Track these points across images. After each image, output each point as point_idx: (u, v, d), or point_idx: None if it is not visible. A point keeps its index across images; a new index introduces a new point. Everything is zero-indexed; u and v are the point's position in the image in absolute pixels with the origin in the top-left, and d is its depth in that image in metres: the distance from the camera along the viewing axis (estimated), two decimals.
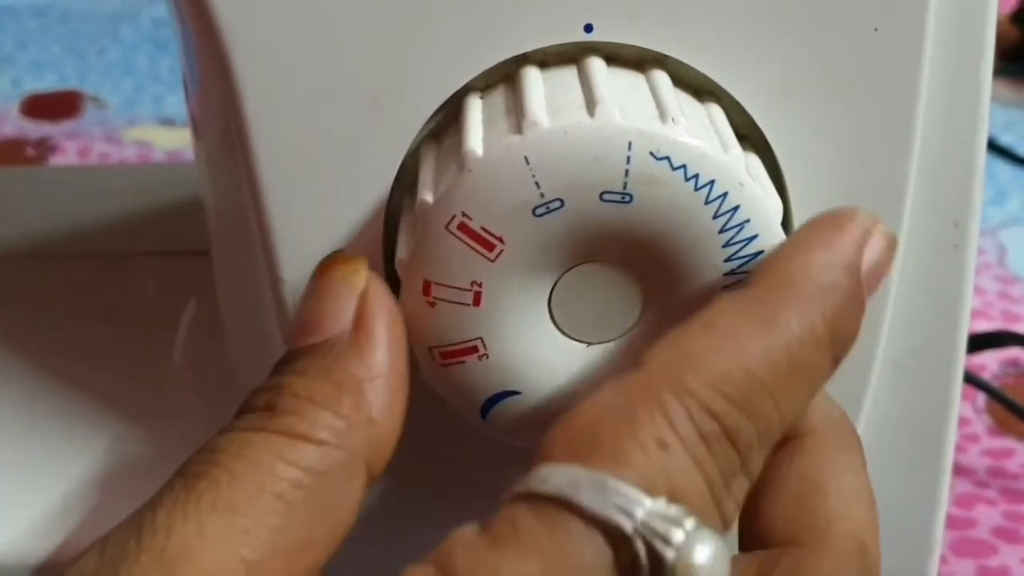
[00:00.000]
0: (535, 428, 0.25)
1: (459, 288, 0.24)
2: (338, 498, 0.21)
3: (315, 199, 0.25)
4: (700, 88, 0.25)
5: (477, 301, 0.24)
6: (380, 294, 0.23)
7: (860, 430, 0.28)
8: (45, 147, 0.65)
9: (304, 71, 0.25)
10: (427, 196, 0.24)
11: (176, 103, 0.69)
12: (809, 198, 0.26)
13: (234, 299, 0.33)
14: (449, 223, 0.23)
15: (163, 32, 0.76)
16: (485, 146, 0.23)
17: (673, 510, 0.18)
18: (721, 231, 0.23)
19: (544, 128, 0.22)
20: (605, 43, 0.25)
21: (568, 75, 0.24)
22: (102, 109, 0.69)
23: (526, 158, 0.23)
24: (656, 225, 0.23)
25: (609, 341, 0.25)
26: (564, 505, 0.18)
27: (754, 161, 0.25)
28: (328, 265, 0.24)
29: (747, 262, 0.23)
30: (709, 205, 0.23)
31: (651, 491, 0.19)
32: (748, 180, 0.23)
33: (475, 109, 0.24)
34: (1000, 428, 0.46)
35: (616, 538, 0.18)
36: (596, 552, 0.18)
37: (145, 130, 0.67)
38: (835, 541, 0.22)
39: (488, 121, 0.24)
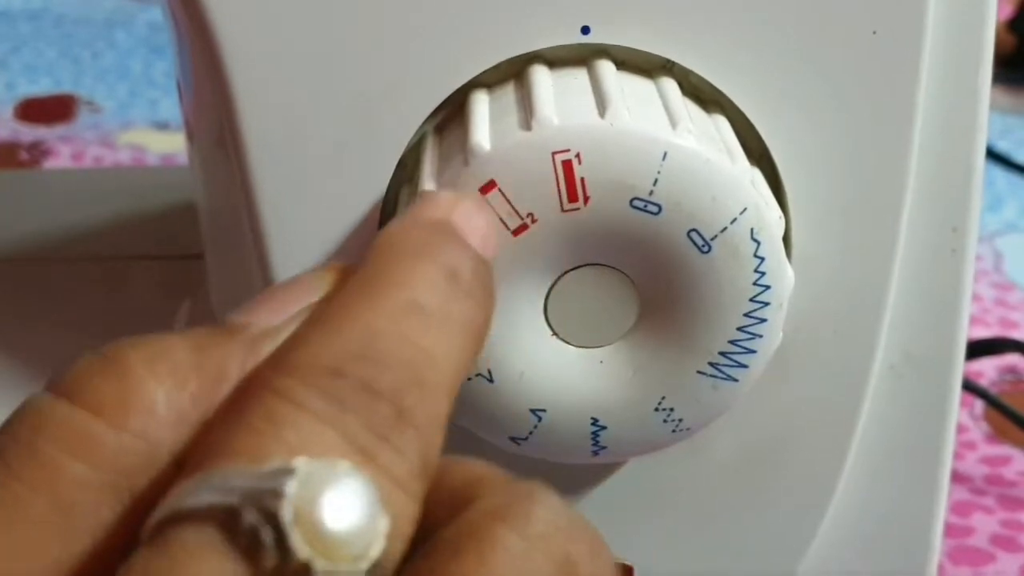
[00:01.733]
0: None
1: None
2: (134, 498, 0.17)
3: (308, 203, 0.25)
4: (705, 97, 0.25)
5: None
6: None
7: (858, 436, 0.28)
8: (39, 151, 0.65)
9: (297, 76, 0.24)
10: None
11: (170, 107, 0.69)
12: (807, 201, 0.26)
13: (228, 303, 0.33)
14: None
15: (158, 36, 0.77)
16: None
17: (284, 464, 0.16)
18: None
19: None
20: (613, 46, 0.25)
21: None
22: (96, 113, 0.69)
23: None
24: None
25: (605, 345, 0.25)
26: (171, 521, 0.16)
27: (757, 173, 0.25)
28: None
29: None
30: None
31: (262, 464, 0.16)
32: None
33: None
34: (998, 435, 0.46)
35: (227, 522, 0.15)
36: (211, 550, 0.15)
37: (139, 134, 0.67)
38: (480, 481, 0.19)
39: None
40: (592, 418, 0.25)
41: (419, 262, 0.19)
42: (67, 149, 0.65)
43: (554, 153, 0.23)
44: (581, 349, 0.25)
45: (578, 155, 0.23)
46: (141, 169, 0.62)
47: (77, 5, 0.81)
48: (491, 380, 0.24)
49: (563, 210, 0.23)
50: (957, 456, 0.44)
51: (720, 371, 0.24)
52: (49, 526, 0.17)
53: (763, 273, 0.24)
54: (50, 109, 0.69)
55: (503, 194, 0.23)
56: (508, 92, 0.25)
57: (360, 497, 0.16)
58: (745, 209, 0.23)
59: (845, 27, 0.24)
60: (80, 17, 0.80)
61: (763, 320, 0.24)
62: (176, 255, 0.41)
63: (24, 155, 0.64)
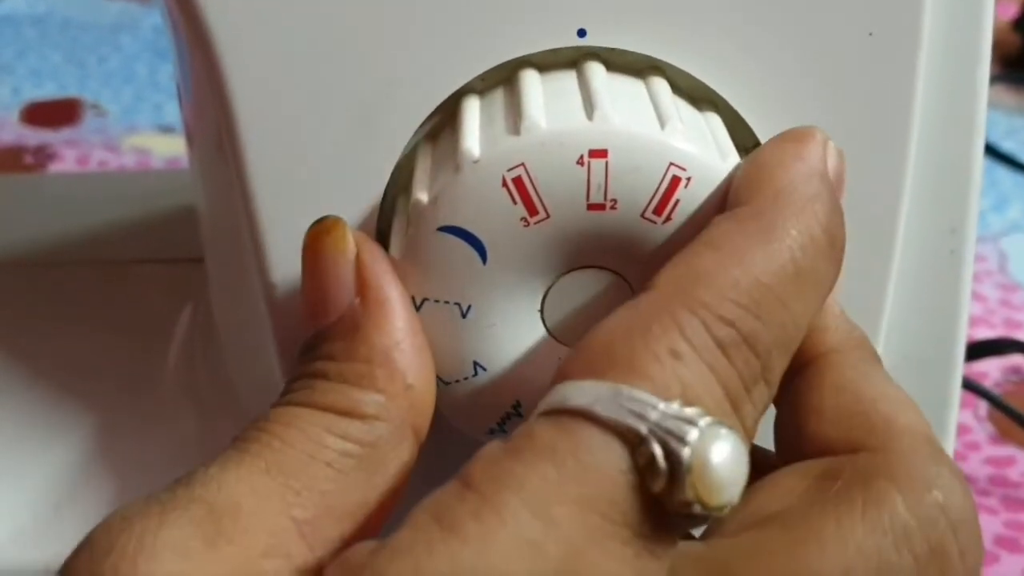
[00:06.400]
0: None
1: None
2: (388, 464, 0.22)
3: (306, 207, 0.25)
4: (698, 96, 0.25)
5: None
6: (372, 254, 0.23)
7: None
8: (44, 154, 0.65)
9: (295, 81, 0.25)
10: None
11: (175, 111, 0.69)
12: None
13: (228, 305, 0.33)
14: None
15: (163, 40, 0.77)
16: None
17: (687, 411, 0.19)
18: None
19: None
20: (603, 48, 0.25)
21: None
22: (101, 117, 0.69)
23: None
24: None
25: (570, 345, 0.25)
26: (580, 416, 0.19)
27: None
28: (314, 239, 0.24)
29: None
30: None
31: (665, 397, 0.19)
32: None
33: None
34: (1002, 436, 0.46)
35: (632, 442, 0.19)
36: (611, 455, 0.19)
37: (144, 138, 0.67)
38: (901, 437, 0.22)
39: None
40: (516, 400, 0.25)
41: (805, 219, 0.22)
42: (72, 153, 0.65)
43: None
44: (551, 340, 0.25)
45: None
46: (145, 173, 0.62)
47: (82, 9, 0.81)
48: (464, 315, 0.24)
49: (646, 214, 0.23)
50: (961, 457, 0.44)
51: None
52: (319, 480, 0.21)
53: None
54: (55, 113, 0.69)
55: (607, 168, 0.23)
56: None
57: (738, 457, 0.19)
58: None
59: (842, 29, 0.24)
60: (85, 22, 0.80)
61: None
62: (179, 259, 0.41)
63: (29, 159, 0.65)
